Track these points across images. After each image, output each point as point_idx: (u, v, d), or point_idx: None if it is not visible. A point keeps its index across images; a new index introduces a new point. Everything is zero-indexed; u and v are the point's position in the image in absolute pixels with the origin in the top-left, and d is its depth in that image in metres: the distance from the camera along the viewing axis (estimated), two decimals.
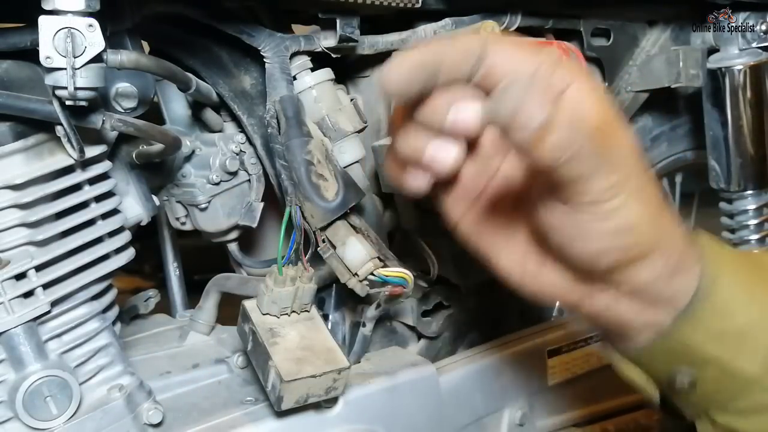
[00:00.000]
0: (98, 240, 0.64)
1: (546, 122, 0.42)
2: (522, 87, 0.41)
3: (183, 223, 0.83)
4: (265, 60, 0.69)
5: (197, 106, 0.79)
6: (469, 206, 0.56)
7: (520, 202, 0.54)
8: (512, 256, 0.55)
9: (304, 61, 0.72)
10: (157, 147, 0.69)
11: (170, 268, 0.91)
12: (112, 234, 0.65)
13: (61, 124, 0.57)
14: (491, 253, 0.56)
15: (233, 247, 0.85)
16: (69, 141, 0.58)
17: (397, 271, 0.66)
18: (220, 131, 0.80)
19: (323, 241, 0.65)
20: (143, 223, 0.72)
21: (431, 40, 0.48)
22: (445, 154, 0.49)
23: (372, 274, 0.65)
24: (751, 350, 0.52)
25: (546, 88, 0.42)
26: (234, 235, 0.84)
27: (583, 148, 0.43)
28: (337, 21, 0.69)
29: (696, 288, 0.51)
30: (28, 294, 0.60)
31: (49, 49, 0.52)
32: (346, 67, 0.80)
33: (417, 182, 0.52)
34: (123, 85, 0.65)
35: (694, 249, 0.52)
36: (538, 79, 0.42)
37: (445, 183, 0.55)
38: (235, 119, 0.78)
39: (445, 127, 0.47)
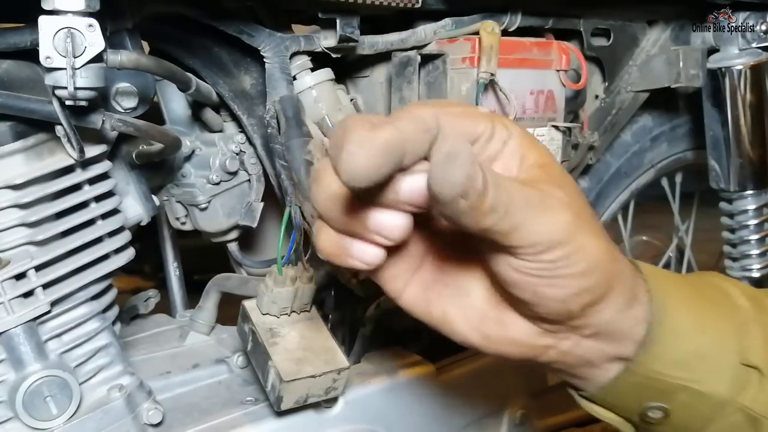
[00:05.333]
0: (98, 240, 0.64)
1: (483, 187, 0.40)
2: (467, 157, 0.39)
3: (183, 223, 0.83)
4: (265, 60, 0.69)
5: (197, 106, 0.79)
6: (412, 275, 0.51)
7: (470, 260, 0.51)
8: (469, 321, 0.51)
9: (304, 61, 0.72)
10: (157, 147, 0.69)
11: (170, 268, 0.91)
12: (112, 234, 0.65)
13: (61, 124, 0.57)
14: (444, 321, 0.51)
15: (233, 247, 0.85)
16: (69, 141, 0.58)
17: None
18: (220, 131, 0.80)
19: None
20: (143, 223, 0.72)
21: (380, 117, 0.43)
22: (394, 221, 0.44)
23: None
24: (716, 371, 0.52)
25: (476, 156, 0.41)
26: (234, 235, 0.85)
27: (513, 198, 0.42)
28: (337, 21, 0.69)
29: (650, 316, 0.50)
30: (28, 294, 0.60)
31: (49, 49, 0.52)
32: (346, 67, 0.80)
33: (368, 255, 0.46)
34: (123, 85, 0.65)
35: (640, 277, 0.51)
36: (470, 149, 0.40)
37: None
38: (235, 119, 0.78)
39: (401, 200, 0.43)
